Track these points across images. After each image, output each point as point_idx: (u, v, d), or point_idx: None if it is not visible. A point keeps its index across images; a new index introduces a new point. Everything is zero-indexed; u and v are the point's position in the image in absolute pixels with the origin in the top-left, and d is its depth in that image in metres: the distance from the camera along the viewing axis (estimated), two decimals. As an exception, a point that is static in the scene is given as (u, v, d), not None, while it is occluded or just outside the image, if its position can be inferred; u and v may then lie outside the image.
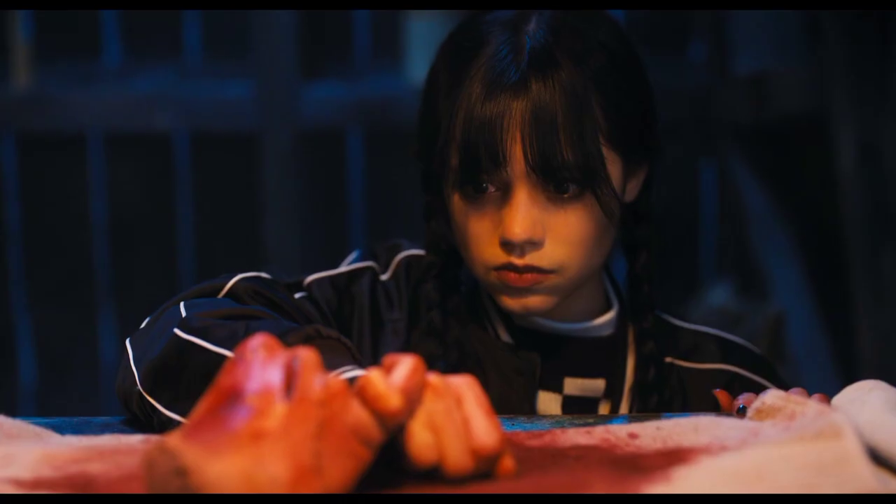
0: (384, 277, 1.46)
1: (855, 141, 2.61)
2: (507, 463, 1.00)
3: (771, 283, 3.08)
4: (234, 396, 0.92)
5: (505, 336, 1.43)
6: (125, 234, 3.52)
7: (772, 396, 1.12)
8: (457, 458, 0.97)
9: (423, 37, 3.19)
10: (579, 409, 1.42)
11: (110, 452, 1.07)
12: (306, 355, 0.95)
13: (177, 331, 1.22)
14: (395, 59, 3.37)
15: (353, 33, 3.48)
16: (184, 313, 1.25)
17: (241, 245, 3.48)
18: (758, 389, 1.40)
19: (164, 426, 1.19)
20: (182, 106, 3.29)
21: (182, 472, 0.88)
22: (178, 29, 3.47)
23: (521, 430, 1.16)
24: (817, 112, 2.80)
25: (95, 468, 1.04)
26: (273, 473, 0.88)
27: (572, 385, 1.42)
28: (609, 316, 1.44)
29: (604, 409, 1.43)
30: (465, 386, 1.00)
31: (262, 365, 0.94)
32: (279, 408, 0.91)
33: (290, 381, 0.93)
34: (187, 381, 1.17)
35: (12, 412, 1.18)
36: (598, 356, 1.43)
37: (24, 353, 3.54)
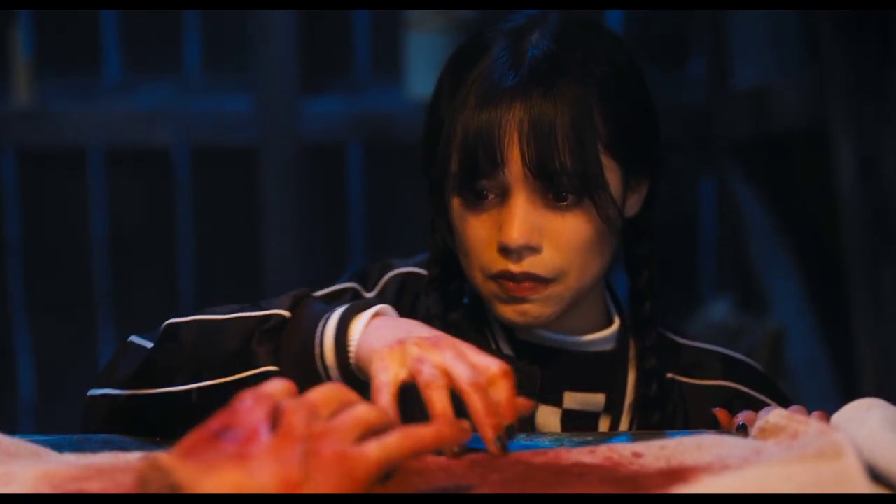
0: (369, 296, 1.46)
1: (854, 155, 2.61)
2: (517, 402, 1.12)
3: (770, 297, 3.08)
4: (222, 430, 0.95)
5: (506, 349, 1.43)
6: (125, 248, 3.52)
7: (775, 415, 1.12)
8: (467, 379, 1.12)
9: (424, 51, 3.20)
10: (579, 423, 1.41)
11: (109, 471, 1.08)
12: (291, 402, 0.97)
13: (170, 324, 1.31)
14: (395, 73, 3.37)
15: (353, 48, 3.49)
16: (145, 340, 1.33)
17: (241, 259, 3.48)
18: (759, 406, 1.40)
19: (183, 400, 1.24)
20: (182, 120, 3.30)
21: (175, 488, 0.90)
22: (178, 44, 3.48)
23: (520, 447, 1.16)
24: (817, 126, 2.80)
25: (94, 487, 1.05)
26: (263, 485, 0.91)
27: (572, 399, 1.41)
28: (611, 330, 1.44)
29: (604, 424, 1.43)
30: (444, 338, 1.17)
31: (248, 409, 0.97)
32: (265, 439, 0.94)
33: (275, 422, 0.96)
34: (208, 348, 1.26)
35: (11, 426, 1.19)
36: (598, 370, 1.43)
37: (23, 368, 3.54)
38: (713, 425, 1.32)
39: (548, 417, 1.41)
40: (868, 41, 2.58)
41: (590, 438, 1.23)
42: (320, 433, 0.95)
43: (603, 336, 1.43)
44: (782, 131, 3.00)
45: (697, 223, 3.52)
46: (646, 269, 1.44)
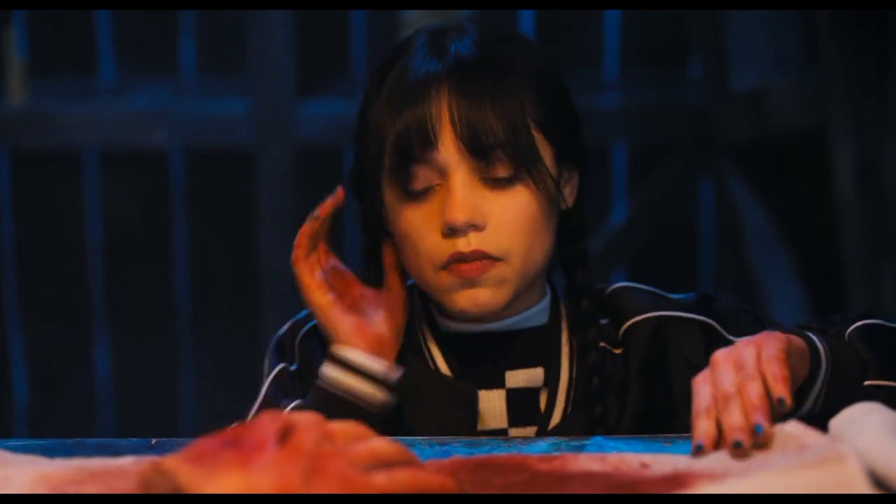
0: (294, 368, 1.47)
1: (853, 158, 2.61)
2: None
3: (769, 299, 3.08)
4: (231, 440, 0.96)
5: (436, 350, 1.43)
6: (120, 251, 3.51)
7: (791, 425, 1.11)
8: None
9: (421, 53, 3.19)
10: (522, 401, 1.42)
11: (101, 474, 1.09)
12: (307, 423, 0.98)
13: None
14: (392, 75, 3.37)
15: (350, 50, 3.48)
16: None
17: (238, 262, 3.47)
18: (679, 323, 1.43)
19: None
20: (178, 122, 3.29)
21: (178, 491, 0.93)
22: (174, 45, 3.47)
23: (517, 451, 1.16)
24: (815, 129, 2.80)
25: (89, 490, 1.07)
26: (262, 492, 0.92)
27: (514, 378, 1.42)
28: (542, 305, 1.44)
29: (543, 397, 1.43)
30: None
31: (260, 424, 0.98)
32: (271, 450, 0.95)
33: (285, 438, 0.97)
34: None
35: (6, 431, 1.19)
36: (534, 345, 1.44)
37: (17, 372, 3.53)
38: (653, 356, 1.38)
39: (493, 401, 1.42)
40: (867, 43, 2.58)
41: (586, 442, 1.22)
42: (329, 454, 0.95)
43: (535, 311, 1.44)
44: (781, 133, 3.00)
45: (696, 224, 3.52)
46: (581, 266, 1.46)
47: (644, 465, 1.09)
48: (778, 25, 3.05)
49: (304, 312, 1.51)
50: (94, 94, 3.42)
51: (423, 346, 1.44)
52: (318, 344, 1.46)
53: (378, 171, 1.37)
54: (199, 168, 3.49)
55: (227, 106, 3.32)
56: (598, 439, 1.24)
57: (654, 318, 1.45)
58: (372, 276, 1.45)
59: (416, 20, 3.27)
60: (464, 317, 1.40)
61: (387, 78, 1.37)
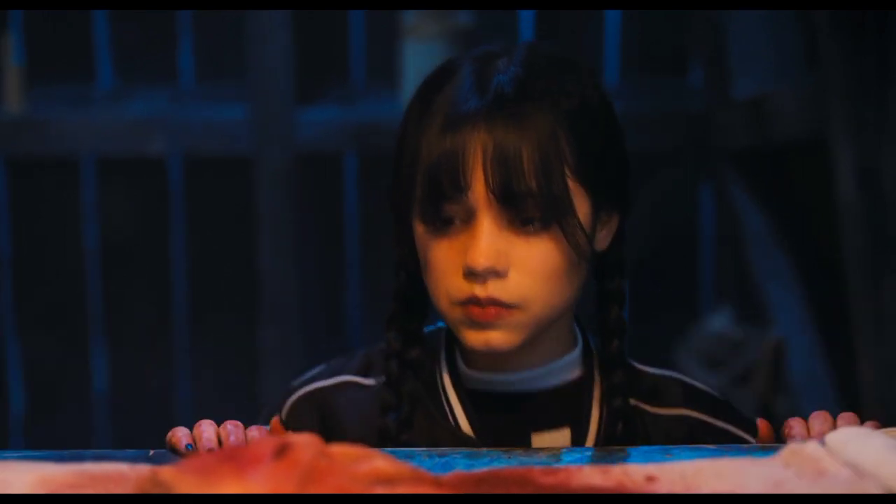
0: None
1: (854, 165, 2.60)
2: None
3: (771, 309, 3.07)
4: (228, 457, 0.97)
5: (463, 419, 1.40)
6: (118, 259, 3.50)
7: (812, 447, 1.10)
8: None
9: (419, 59, 3.19)
10: None
11: (102, 479, 1.10)
12: (305, 442, 0.98)
13: None
14: (391, 82, 3.37)
15: (349, 56, 3.48)
16: None
17: (236, 270, 3.46)
18: (718, 434, 1.40)
19: None
20: (176, 129, 3.29)
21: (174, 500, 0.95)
22: (172, 51, 3.47)
23: (518, 463, 1.15)
24: (816, 136, 2.79)
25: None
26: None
27: (539, 440, 1.39)
28: (570, 358, 1.42)
29: None
30: None
31: (259, 441, 0.99)
32: (268, 464, 0.96)
33: (282, 453, 0.97)
34: None
35: (2, 441, 1.19)
36: (562, 403, 1.41)
37: (13, 382, 3.52)
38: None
39: None
40: (867, 44, 2.57)
41: (588, 453, 1.21)
42: (327, 468, 0.96)
43: (564, 363, 1.41)
44: (782, 140, 3.00)
45: (697, 232, 3.52)
46: (616, 305, 1.42)
47: (650, 479, 1.08)
48: (778, 30, 3.05)
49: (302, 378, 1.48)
50: (92, 101, 3.41)
51: (444, 400, 1.41)
52: (300, 415, 1.44)
53: (410, 195, 1.35)
54: (198, 175, 3.48)
55: (226, 112, 3.32)
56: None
57: (693, 419, 1.43)
58: (402, 288, 1.43)
59: (415, 26, 3.27)
60: (477, 357, 1.38)
61: (431, 104, 1.35)
